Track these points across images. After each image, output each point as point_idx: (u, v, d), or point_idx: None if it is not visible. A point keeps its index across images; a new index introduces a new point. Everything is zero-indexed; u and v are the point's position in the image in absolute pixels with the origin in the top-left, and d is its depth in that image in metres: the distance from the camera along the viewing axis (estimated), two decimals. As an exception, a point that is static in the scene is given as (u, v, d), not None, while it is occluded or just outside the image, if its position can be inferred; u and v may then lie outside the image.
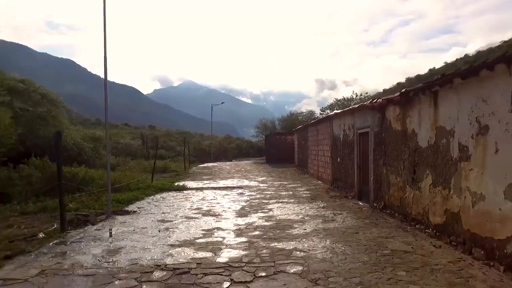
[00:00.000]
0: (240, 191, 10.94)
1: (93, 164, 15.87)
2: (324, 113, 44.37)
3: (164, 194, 10.44)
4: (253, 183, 13.06)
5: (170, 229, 6.02)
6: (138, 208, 8.22)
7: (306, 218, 6.75)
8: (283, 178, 14.73)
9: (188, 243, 5.13)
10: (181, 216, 7.14)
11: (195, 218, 6.97)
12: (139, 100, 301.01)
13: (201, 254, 4.59)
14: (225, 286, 3.56)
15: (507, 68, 3.58)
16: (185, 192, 11.01)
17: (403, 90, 5.92)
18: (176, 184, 12.49)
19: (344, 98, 45.69)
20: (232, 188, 11.76)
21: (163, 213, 7.54)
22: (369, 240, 5.13)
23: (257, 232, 5.70)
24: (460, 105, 4.45)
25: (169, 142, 35.64)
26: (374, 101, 7.17)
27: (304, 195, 9.80)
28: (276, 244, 4.99)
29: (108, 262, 4.35)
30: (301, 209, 7.65)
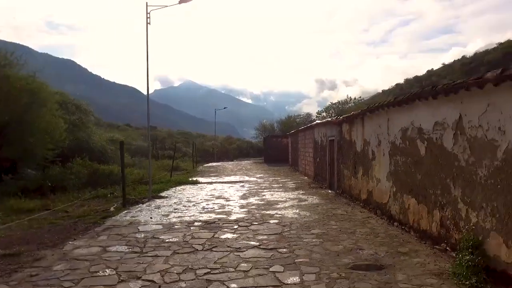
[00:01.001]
0: (241, 184, 14.09)
1: (114, 163, 18.97)
2: (320, 115, 47.55)
3: (183, 186, 13.58)
4: (252, 179, 16.21)
5: (196, 204, 9.18)
6: (168, 194, 11.37)
7: (287, 199, 9.90)
8: (277, 175, 17.88)
9: (210, 211, 8.28)
10: (201, 199, 10.29)
11: (211, 200, 10.12)
12: (139, 100, 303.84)
13: (219, 216, 7.73)
14: (235, 227, 6.70)
15: (386, 110, 6.71)
16: (198, 185, 14.17)
17: (349, 115, 9.05)
18: (190, 179, 15.66)
19: (339, 102, 48.78)
20: (235, 182, 14.90)
21: (187, 197, 10.70)
22: (323, 209, 8.28)
23: (253, 207, 8.84)
24: (372, 127, 7.59)
25: (176, 143, 38.69)
26: (336, 118, 10.32)
27: (290, 186, 12.96)
28: (264, 212, 8.14)
29: (165, 219, 7.49)
30: (285, 195, 10.80)
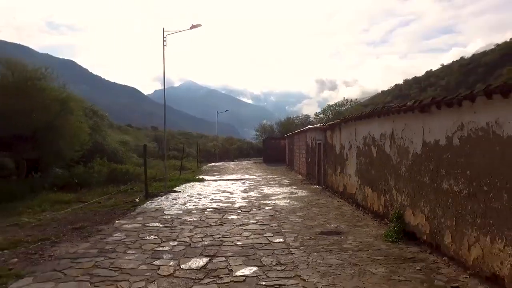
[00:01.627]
0: (243, 181, 16.17)
1: (125, 163, 21.03)
2: (318, 117, 49.63)
3: (192, 183, 15.65)
4: (252, 177, 18.29)
5: (206, 197, 11.27)
6: (180, 189, 13.45)
7: (281, 193, 11.97)
8: (274, 174, 19.96)
9: (218, 201, 10.36)
10: (209, 192, 12.37)
11: (217, 193, 12.19)
12: (139, 100, 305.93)
13: (226, 204, 9.81)
14: (238, 211, 8.78)
15: (354, 122, 8.78)
16: (205, 182, 16.25)
17: (331, 123, 11.11)
18: (197, 177, 17.74)
19: (336, 104, 50.81)
20: (237, 179, 16.98)
21: (197, 191, 12.78)
22: (309, 200, 10.36)
23: (253, 198, 10.92)
24: (346, 134, 9.66)
25: (179, 144, 40.77)
26: (322, 125, 12.40)
27: (285, 183, 15.04)
28: (262, 201, 10.21)
29: (183, 207, 9.56)
30: (280, 189, 12.88)
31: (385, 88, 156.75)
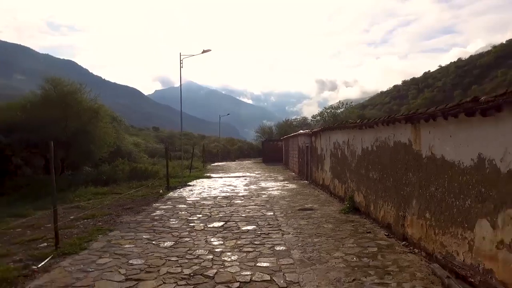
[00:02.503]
0: (244, 178, 19.18)
1: (138, 162, 23.95)
2: (315, 119, 52.64)
3: (201, 179, 18.67)
4: (252, 174, 21.31)
5: (216, 189, 14.29)
6: (193, 184, 16.47)
7: (275, 186, 14.98)
8: (272, 172, 22.98)
9: (225, 192, 13.38)
10: (217, 186, 15.39)
11: (224, 187, 15.20)
12: (140, 100, 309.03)
13: (232, 194, 12.83)
14: (242, 198, 11.80)
15: (328, 131, 11.80)
16: (212, 178, 19.26)
17: (315, 130, 14.11)
18: (204, 174, 20.75)
19: (332, 107, 53.75)
20: (239, 176, 20.00)
21: (207, 185, 15.80)
22: (296, 191, 13.38)
23: (253, 190, 13.93)
24: (323, 140, 12.67)
25: (184, 145, 43.79)
26: (309, 131, 15.40)
27: (280, 179, 18.06)
28: (260, 192, 13.23)
29: (199, 196, 12.58)
30: (275, 184, 15.89)
31: (385, 89, 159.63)
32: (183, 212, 9.51)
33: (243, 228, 7.58)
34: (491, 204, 3.84)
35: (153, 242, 6.59)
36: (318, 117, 52.09)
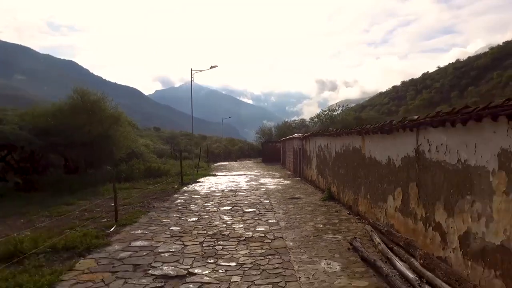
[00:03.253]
0: (246, 175, 21.96)
1: (147, 162, 26.63)
2: (313, 121, 55.40)
3: (208, 177, 21.46)
4: (252, 173, 24.10)
5: (222, 184, 17.09)
6: (202, 180, 19.26)
7: (272, 182, 17.76)
8: (270, 171, 25.77)
9: (230, 187, 16.18)
10: (223, 182, 18.18)
11: (228, 183, 17.99)
12: (140, 101, 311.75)
13: (236, 188, 15.62)
14: (244, 191, 14.59)
15: (314, 137, 14.57)
16: (217, 176, 22.05)
17: (306, 135, 16.88)
18: (210, 173, 23.54)
19: (329, 109, 56.53)
20: (241, 174, 22.79)
21: (214, 181, 18.59)
22: (289, 185, 16.17)
23: (253, 185, 16.71)
24: (311, 143, 15.44)
25: (189, 146, 46.56)
26: (302, 135, 18.18)
27: (276, 176, 20.85)
28: (259, 186, 16.02)
29: (209, 189, 15.38)
30: (272, 180, 18.67)
31: (385, 89, 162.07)
32: (199, 201, 12.29)
33: (246, 210, 10.36)
34: (393, 185, 6.62)
35: (182, 218, 9.38)
36: (316, 119, 54.85)
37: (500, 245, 3.68)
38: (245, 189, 15.14)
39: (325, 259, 5.91)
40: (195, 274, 5.42)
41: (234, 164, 36.05)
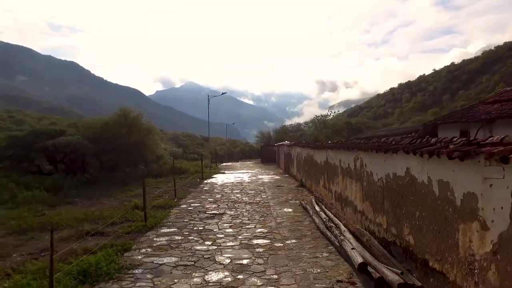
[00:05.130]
0: (247, 173, 29.09)
1: (166, 163, 33.71)
2: (307, 125, 62.38)
3: (219, 175, 28.56)
4: (253, 171, 31.24)
5: (231, 179, 24.27)
6: (215, 177, 26.42)
7: (267, 177, 24.90)
8: (267, 169, 32.89)
9: (237, 181, 23.35)
10: (231, 177, 25.32)
11: (235, 178, 25.12)
12: (141, 101, 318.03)
13: (241, 181, 22.79)
14: (247, 183, 21.73)
15: (295, 146, 21.68)
16: (226, 174, 29.19)
17: (292, 143, 23.98)
18: (220, 171, 30.69)
19: (322, 115, 63.39)
20: (244, 172, 29.94)
21: (225, 177, 25.74)
22: (279, 179, 23.34)
23: (253, 179, 23.86)
24: (294, 149, 22.54)
25: (197, 148, 53.64)
26: (288, 143, 25.28)
27: (271, 174, 28.02)
28: (258, 180, 23.18)
29: (223, 182, 22.54)
30: (268, 176, 25.82)
31: (384, 90, 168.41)
32: (218, 188, 19.42)
33: (249, 192, 17.48)
34: (321, 174, 13.75)
35: (212, 195, 16.51)
36: (310, 124, 61.83)
37: (340, 193, 10.77)
38: (247, 182, 22.26)
39: (286, 208, 13.05)
40: (226, 214, 12.52)
41: (237, 164, 43.25)
